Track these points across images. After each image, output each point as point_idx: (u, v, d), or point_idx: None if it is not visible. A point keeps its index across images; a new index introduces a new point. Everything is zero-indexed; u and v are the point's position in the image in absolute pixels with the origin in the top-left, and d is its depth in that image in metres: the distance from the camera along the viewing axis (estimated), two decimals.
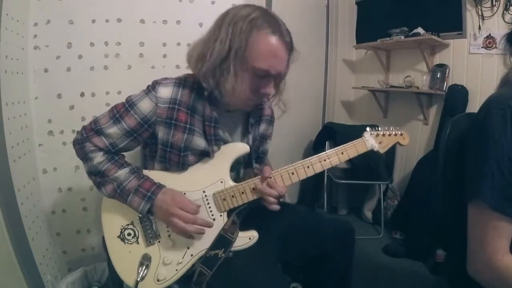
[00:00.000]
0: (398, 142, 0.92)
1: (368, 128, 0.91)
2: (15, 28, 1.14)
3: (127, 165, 0.86)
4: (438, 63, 2.14)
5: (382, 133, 0.91)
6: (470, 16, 1.95)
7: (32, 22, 1.23)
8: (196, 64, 0.81)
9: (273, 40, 0.76)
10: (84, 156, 0.86)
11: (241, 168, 0.98)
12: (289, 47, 0.80)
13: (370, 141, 0.89)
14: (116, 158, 0.87)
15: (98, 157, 0.84)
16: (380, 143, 0.90)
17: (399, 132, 0.92)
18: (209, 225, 0.83)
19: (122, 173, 0.84)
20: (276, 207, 0.84)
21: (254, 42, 0.75)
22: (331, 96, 2.76)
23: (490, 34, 1.88)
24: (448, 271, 1.32)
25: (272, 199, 0.83)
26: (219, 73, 0.78)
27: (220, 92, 0.82)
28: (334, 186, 2.51)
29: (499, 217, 0.60)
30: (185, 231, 0.80)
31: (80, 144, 0.86)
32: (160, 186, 0.84)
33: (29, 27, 1.22)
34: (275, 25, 0.77)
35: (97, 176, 0.85)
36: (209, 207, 0.86)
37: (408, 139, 0.93)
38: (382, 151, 0.90)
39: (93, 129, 0.85)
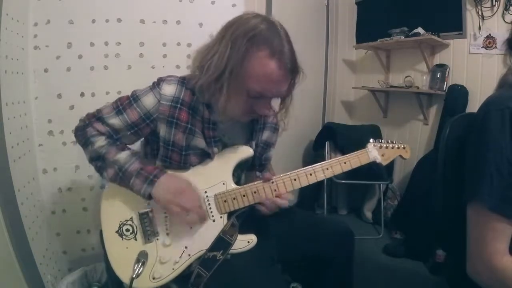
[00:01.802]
0: (400, 155, 0.95)
1: (371, 140, 0.93)
2: (15, 28, 1.14)
3: (128, 149, 0.86)
4: (438, 63, 2.14)
5: (385, 145, 0.93)
6: (470, 16, 1.95)
7: (32, 22, 1.23)
8: (195, 72, 0.81)
9: (270, 63, 0.72)
10: (85, 141, 0.85)
11: (243, 174, 0.98)
12: (289, 69, 0.75)
13: (373, 152, 0.91)
14: (118, 143, 0.86)
15: (100, 141, 0.84)
16: (382, 155, 0.92)
17: (402, 146, 0.95)
18: (204, 218, 0.83)
19: (123, 155, 0.83)
20: (267, 212, 0.86)
21: (250, 63, 0.72)
22: (331, 96, 2.76)
23: (490, 34, 1.88)
24: (448, 271, 1.32)
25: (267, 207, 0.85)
26: (213, 90, 0.77)
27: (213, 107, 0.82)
28: (334, 186, 2.51)
29: (498, 219, 0.60)
30: (183, 219, 0.80)
31: (82, 130, 0.86)
32: (163, 170, 0.84)
33: (29, 27, 1.22)
34: (278, 44, 0.73)
35: (98, 160, 0.84)
36: (210, 208, 0.86)
37: (410, 153, 0.96)
38: (384, 163, 0.93)
39: (95, 116, 0.86)
